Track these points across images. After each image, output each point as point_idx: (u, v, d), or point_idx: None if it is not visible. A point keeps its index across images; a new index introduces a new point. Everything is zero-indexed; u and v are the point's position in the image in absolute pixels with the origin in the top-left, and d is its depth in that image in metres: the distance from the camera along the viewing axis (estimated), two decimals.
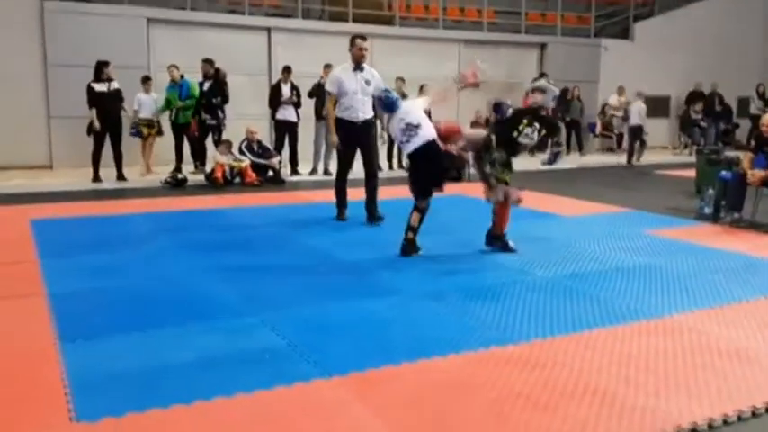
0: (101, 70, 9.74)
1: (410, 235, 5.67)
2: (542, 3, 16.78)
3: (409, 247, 5.65)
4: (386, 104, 5.94)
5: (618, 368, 3.39)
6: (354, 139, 6.93)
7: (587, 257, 5.71)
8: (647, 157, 14.09)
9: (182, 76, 10.82)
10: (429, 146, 5.66)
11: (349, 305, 4.35)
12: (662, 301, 4.54)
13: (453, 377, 3.25)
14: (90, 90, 9.67)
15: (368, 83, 6.89)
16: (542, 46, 16.06)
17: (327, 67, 10.97)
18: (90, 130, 9.74)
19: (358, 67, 6.89)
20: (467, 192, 9.50)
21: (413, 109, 5.90)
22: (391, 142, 12.12)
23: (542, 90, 5.89)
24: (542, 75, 6.12)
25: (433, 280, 4.94)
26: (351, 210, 7.17)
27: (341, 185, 7.17)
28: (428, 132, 5.68)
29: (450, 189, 9.76)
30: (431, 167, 5.66)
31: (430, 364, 3.41)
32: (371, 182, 7.07)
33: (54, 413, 2.86)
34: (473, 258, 5.63)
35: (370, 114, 7.00)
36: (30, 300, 4.41)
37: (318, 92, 10.54)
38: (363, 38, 7.04)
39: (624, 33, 17.20)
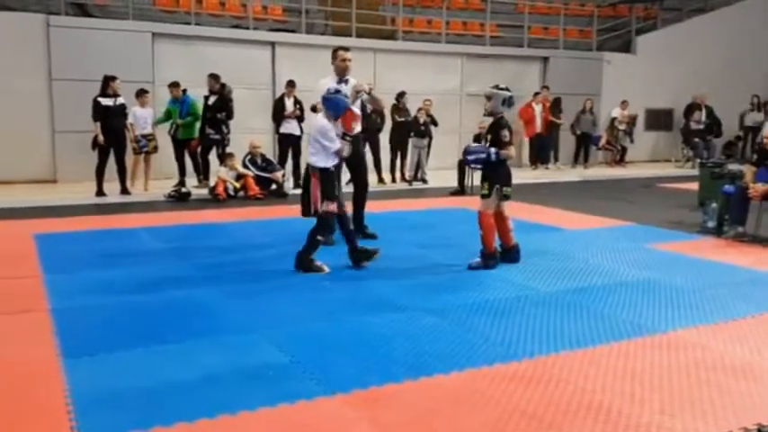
0: (107, 85, 9.78)
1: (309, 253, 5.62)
2: (545, 17, 16.86)
3: (304, 263, 5.62)
4: (330, 104, 5.64)
5: (622, 385, 3.38)
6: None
7: (590, 272, 5.70)
8: (653, 170, 14.09)
9: (184, 91, 10.86)
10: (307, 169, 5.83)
11: (351, 321, 4.35)
12: (666, 316, 4.53)
13: (457, 395, 3.24)
14: (96, 104, 9.71)
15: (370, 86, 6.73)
16: (545, 59, 16.10)
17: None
18: (95, 144, 9.77)
19: (342, 79, 6.59)
20: (469, 205, 9.52)
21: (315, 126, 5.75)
22: (393, 153, 12.16)
23: (488, 97, 5.94)
24: (496, 86, 6.06)
25: (435, 296, 4.93)
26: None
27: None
28: (311, 157, 5.67)
29: (453, 202, 9.83)
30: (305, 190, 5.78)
31: (433, 381, 3.40)
32: (361, 194, 6.98)
33: (58, 430, 2.86)
34: (476, 273, 5.62)
35: (358, 129, 6.54)
36: (33, 315, 4.41)
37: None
38: (346, 48, 6.81)
39: (626, 47, 17.25)
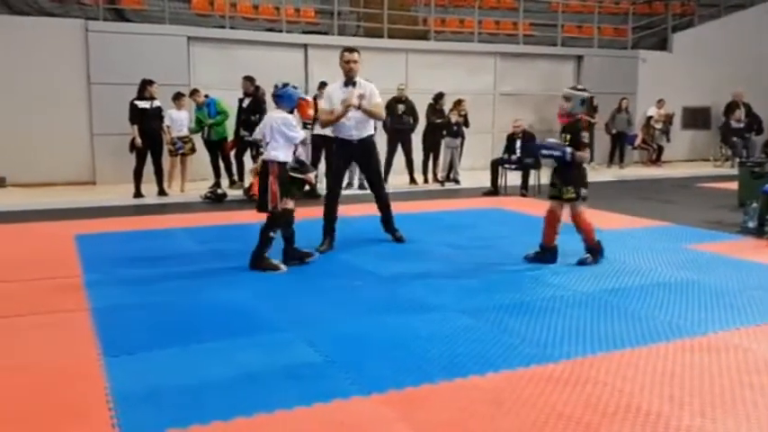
0: (145, 88, 9.95)
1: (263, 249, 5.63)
2: (578, 15, 16.67)
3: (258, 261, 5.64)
4: (284, 99, 5.67)
5: (661, 387, 3.33)
6: (349, 159, 6.73)
7: (627, 272, 5.62)
8: (690, 170, 13.84)
9: (206, 96, 10.96)
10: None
11: (385, 321, 4.36)
12: (705, 317, 4.45)
13: (493, 396, 3.22)
14: (133, 107, 9.88)
15: (360, 97, 6.31)
16: (579, 58, 15.93)
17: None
18: (132, 146, 9.95)
19: (350, 81, 6.39)
20: (503, 206, 9.47)
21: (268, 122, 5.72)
22: (425, 154, 12.12)
23: (566, 98, 5.88)
24: (574, 87, 6.01)
25: (469, 296, 4.91)
26: (378, 223, 7.01)
27: (328, 209, 6.59)
28: (273, 152, 5.64)
29: (487, 203, 9.78)
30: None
31: (468, 382, 3.39)
32: (380, 201, 6.72)
33: (99, 428, 2.92)
34: (511, 274, 5.59)
35: (369, 132, 6.52)
36: (74, 314, 4.50)
37: None
38: (350, 50, 6.49)
39: (662, 44, 16.98)
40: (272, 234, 5.61)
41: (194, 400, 3.17)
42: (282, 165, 5.61)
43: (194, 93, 10.86)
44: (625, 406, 3.11)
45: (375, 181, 6.71)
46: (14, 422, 2.97)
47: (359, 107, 6.23)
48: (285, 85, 5.73)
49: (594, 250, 5.90)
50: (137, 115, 9.84)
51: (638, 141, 15.54)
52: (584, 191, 5.89)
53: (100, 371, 3.52)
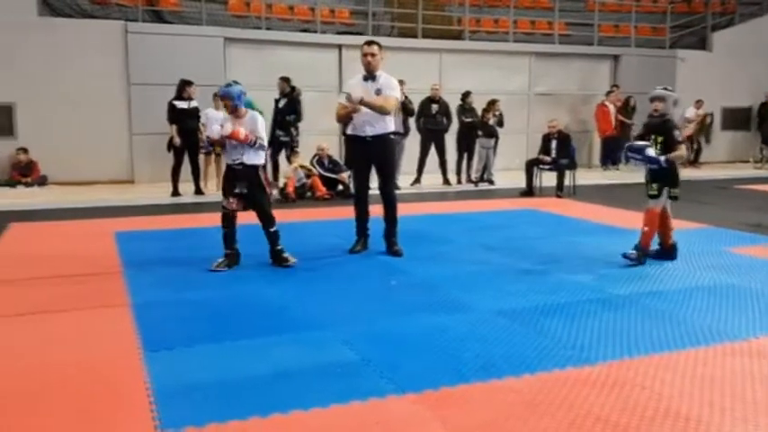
0: (183, 88, 10.12)
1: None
2: (615, 14, 16.46)
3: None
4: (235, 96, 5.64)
5: (701, 392, 3.27)
6: (366, 157, 6.22)
7: (665, 275, 5.54)
8: (729, 171, 13.57)
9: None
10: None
11: (420, 321, 4.36)
12: (746, 321, 4.36)
13: (529, 398, 3.21)
14: (172, 107, 10.05)
15: (378, 92, 6.05)
16: (615, 58, 15.73)
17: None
18: (170, 145, 10.11)
19: (370, 76, 6.16)
20: (538, 207, 9.40)
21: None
22: (459, 154, 12.09)
23: (660, 98, 5.80)
24: (665, 88, 5.95)
25: (504, 297, 4.88)
26: (412, 224, 7.02)
27: (358, 210, 6.37)
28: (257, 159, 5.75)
29: (522, 204, 9.72)
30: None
31: (504, 383, 3.38)
32: (386, 205, 6.30)
33: (140, 421, 2.98)
34: (546, 275, 5.54)
35: (385, 129, 6.15)
36: (115, 310, 4.60)
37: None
38: (369, 42, 6.22)
39: (701, 44, 16.68)
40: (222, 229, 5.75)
41: (232, 396, 3.22)
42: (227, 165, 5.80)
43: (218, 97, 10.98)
44: (664, 410, 3.07)
45: (385, 182, 6.29)
46: (58, 415, 3.05)
47: (360, 102, 5.96)
48: (228, 84, 5.77)
49: (643, 252, 5.85)
50: (175, 115, 9.99)
51: None
52: (675, 190, 5.86)
53: (140, 365, 3.59)
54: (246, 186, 5.72)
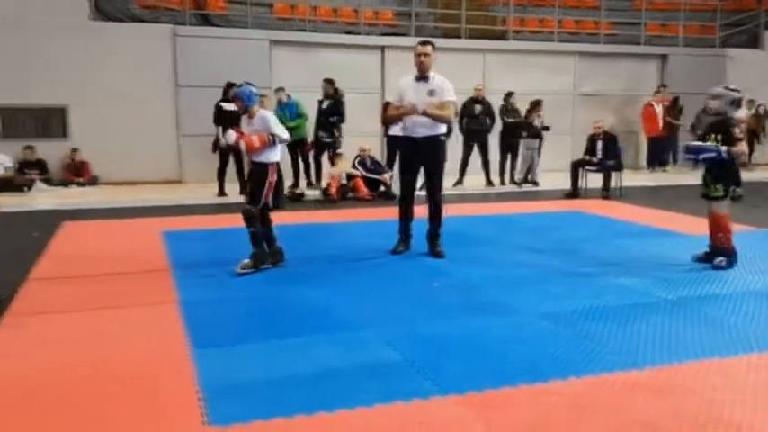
0: (229, 91, 10.26)
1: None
2: (663, 13, 16.13)
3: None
4: (245, 96, 5.67)
5: (754, 399, 3.19)
6: (415, 158, 6.17)
7: (714, 279, 5.40)
8: None
9: (288, 96, 11.19)
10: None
11: (463, 322, 4.34)
12: None
13: (574, 401, 3.17)
14: (219, 108, 10.23)
15: (431, 93, 6.00)
16: (663, 57, 15.42)
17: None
18: (215, 146, 10.29)
19: (422, 76, 6.07)
20: (584, 209, 9.27)
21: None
22: (503, 155, 12.00)
23: (715, 96, 5.68)
24: (726, 87, 5.82)
25: (549, 300, 4.83)
26: (454, 225, 6.97)
27: (403, 210, 6.34)
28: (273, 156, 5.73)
29: (567, 206, 9.61)
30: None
31: (549, 386, 3.34)
32: (433, 207, 6.25)
33: (188, 416, 3.04)
34: (592, 278, 5.46)
35: (435, 131, 6.08)
36: (163, 307, 4.71)
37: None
38: (423, 42, 6.12)
39: (753, 42, 16.22)
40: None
41: (277, 394, 3.26)
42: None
43: (280, 90, 11.12)
44: (716, 417, 3.00)
45: (434, 183, 6.24)
46: (108, 410, 3.13)
47: (423, 113, 5.93)
48: (236, 85, 5.83)
49: (729, 252, 5.72)
50: (222, 116, 10.16)
51: None
52: (738, 190, 5.72)
53: (189, 362, 3.66)
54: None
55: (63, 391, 3.31)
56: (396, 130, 10.98)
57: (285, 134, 5.76)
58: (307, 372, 3.53)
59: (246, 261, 5.64)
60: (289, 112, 11.09)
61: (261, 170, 5.73)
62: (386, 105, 11.35)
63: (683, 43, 15.61)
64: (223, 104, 10.22)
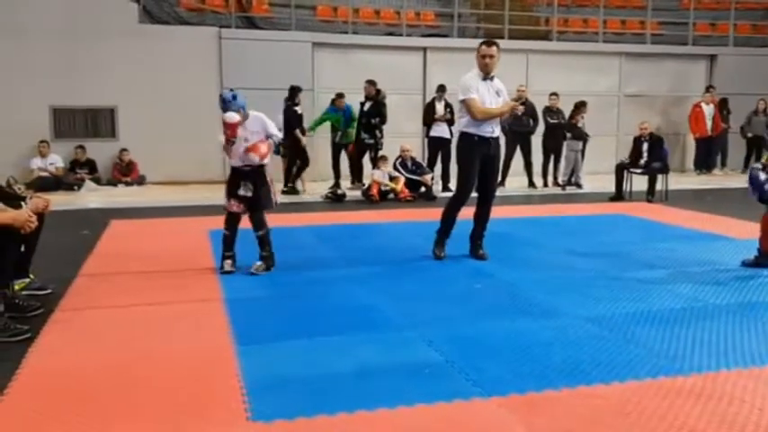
0: (296, 94, 10.78)
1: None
2: (712, 12, 15.76)
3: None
4: (220, 106, 5.50)
5: None
6: (486, 158, 6.04)
7: (765, 285, 5.26)
8: None
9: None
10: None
11: (505, 325, 4.32)
12: None
13: (619, 406, 3.13)
14: (294, 113, 10.62)
15: (499, 94, 6.04)
16: (712, 57, 15.07)
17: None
18: (287, 149, 10.66)
19: (487, 77, 6.03)
20: (629, 212, 9.13)
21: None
22: (545, 157, 11.89)
23: None
24: None
25: (593, 303, 4.77)
26: (497, 227, 6.90)
27: (455, 209, 6.19)
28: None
29: (611, 209, 9.47)
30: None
31: (592, 390, 3.30)
32: (487, 209, 6.21)
33: (233, 412, 3.09)
34: (637, 282, 5.37)
35: (499, 131, 6.18)
36: (209, 304, 4.79)
37: None
38: (490, 43, 6.05)
39: None
40: (223, 231, 5.73)
41: (320, 391, 3.29)
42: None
43: (340, 97, 11.23)
44: (766, 426, 2.93)
45: (494, 184, 6.28)
46: (153, 405, 3.19)
47: (520, 114, 6.02)
48: (234, 97, 5.57)
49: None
50: (297, 120, 10.58)
51: None
52: None
53: (233, 358, 3.72)
54: (251, 188, 5.65)
55: (107, 386, 3.39)
56: (441, 132, 11.04)
57: (280, 134, 5.91)
58: (349, 370, 3.56)
59: (260, 264, 5.71)
60: (345, 116, 11.21)
61: (260, 171, 5.69)
62: (429, 106, 11.37)
63: (732, 43, 15.23)
64: (297, 108, 10.55)
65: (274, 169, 11.00)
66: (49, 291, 5.01)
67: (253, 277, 5.53)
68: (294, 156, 10.78)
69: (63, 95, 11.79)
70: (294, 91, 10.69)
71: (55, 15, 11.55)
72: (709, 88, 14.29)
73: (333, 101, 11.35)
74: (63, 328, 4.30)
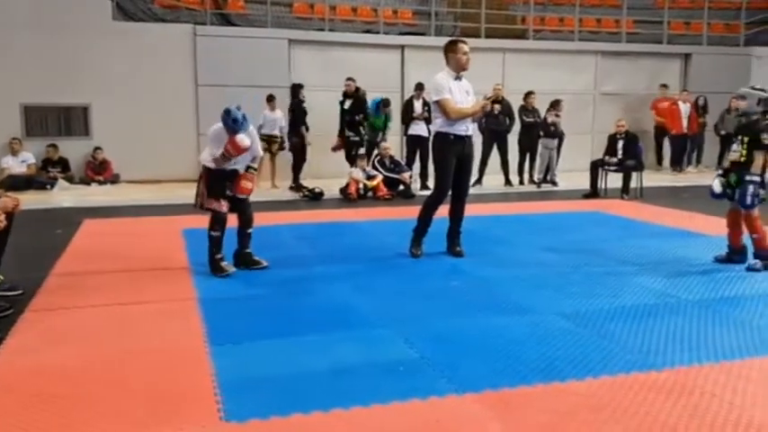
0: (299, 92, 10.87)
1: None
2: (686, 11, 15.96)
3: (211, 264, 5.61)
4: (229, 124, 5.33)
5: None
6: (461, 156, 6.09)
7: (737, 280, 5.34)
8: None
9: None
10: None
11: (480, 321, 4.33)
12: None
13: (592, 402, 3.15)
14: (302, 109, 10.76)
15: (468, 93, 6.10)
16: (686, 56, 15.25)
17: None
18: (299, 147, 10.84)
19: (458, 76, 6.07)
20: (603, 209, 9.20)
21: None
22: (521, 155, 11.93)
23: (742, 96, 5.62)
24: (752, 87, 5.77)
25: (568, 300, 4.80)
26: (473, 225, 6.92)
27: (433, 208, 6.21)
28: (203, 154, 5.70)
29: (586, 206, 9.54)
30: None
31: (566, 386, 3.32)
32: (461, 207, 6.25)
33: (206, 411, 3.06)
34: (611, 278, 5.42)
35: (473, 129, 6.25)
36: (183, 303, 4.75)
37: None
38: (465, 41, 6.17)
39: None
40: (212, 233, 5.60)
41: (294, 390, 3.27)
42: (209, 169, 5.56)
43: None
44: (735, 420, 2.96)
45: (468, 183, 6.35)
46: (125, 405, 3.16)
47: (496, 112, 5.99)
48: (234, 121, 5.40)
49: (765, 254, 5.64)
50: (303, 116, 10.77)
51: None
52: (762, 192, 5.65)
53: (207, 358, 3.69)
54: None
55: (80, 386, 3.34)
56: (419, 131, 11.03)
57: (260, 152, 6.10)
58: (324, 369, 3.54)
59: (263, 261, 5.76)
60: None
61: (237, 172, 5.67)
62: (407, 104, 11.36)
63: (706, 42, 15.43)
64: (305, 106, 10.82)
65: (281, 167, 11.08)
66: (19, 292, 4.93)
67: (228, 277, 5.49)
68: (300, 153, 10.90)
69: (34, 93, 11.59)
70: (296, 88, 10.80)
71: (26, 11, 11.36)
72: (683, 92, 14.46)
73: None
74: (33, 329, 4.23)
